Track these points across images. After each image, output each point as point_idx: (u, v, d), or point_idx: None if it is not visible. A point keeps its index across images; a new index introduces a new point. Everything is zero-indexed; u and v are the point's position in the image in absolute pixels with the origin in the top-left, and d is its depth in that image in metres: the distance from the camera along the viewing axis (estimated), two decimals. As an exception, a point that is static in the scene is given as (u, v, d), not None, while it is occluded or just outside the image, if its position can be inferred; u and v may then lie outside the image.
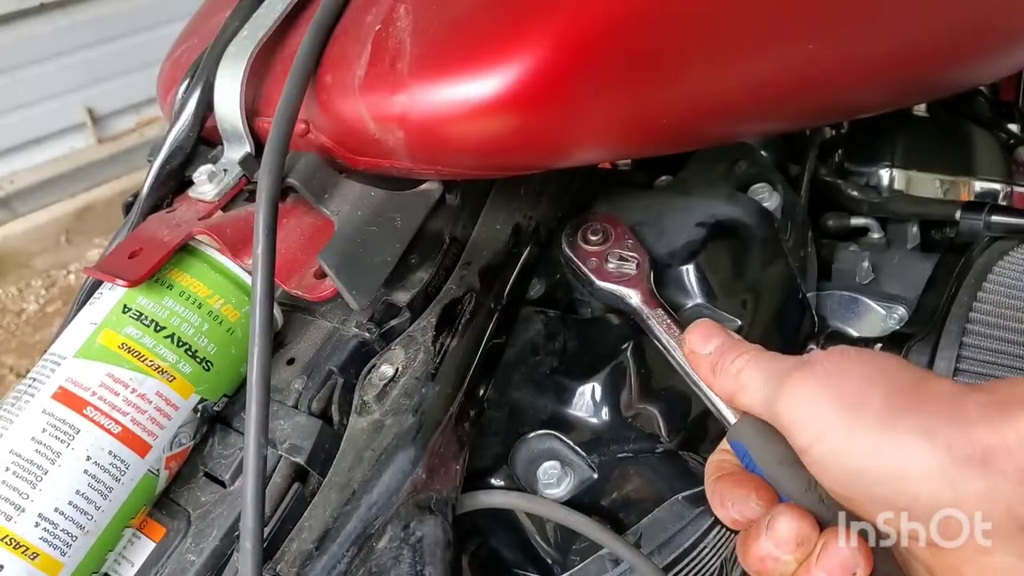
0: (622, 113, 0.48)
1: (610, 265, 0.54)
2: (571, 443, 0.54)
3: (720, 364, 0.41)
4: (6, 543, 0.41)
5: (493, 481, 0.55)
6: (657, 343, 0.51)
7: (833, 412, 0.35)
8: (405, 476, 0.48)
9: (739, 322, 0.57)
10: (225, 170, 0.53)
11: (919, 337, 0.60)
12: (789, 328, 0.63)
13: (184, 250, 0.50)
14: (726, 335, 0.42)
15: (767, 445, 0.39)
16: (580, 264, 0.55)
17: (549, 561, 0.57)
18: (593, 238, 0.55)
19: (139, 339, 0.46)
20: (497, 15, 0.46)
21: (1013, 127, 0.94)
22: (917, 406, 0.34)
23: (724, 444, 0.44)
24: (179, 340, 0.47)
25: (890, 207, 0.75)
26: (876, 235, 0.76)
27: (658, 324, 0.51)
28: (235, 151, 0.53)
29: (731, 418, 0.44)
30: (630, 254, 0.54)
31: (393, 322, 0.53)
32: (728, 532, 0.64)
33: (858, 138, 0.78)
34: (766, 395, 0.38)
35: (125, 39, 2.48)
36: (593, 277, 0.54)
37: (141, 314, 0.47)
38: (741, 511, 0.39)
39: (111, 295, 0.48)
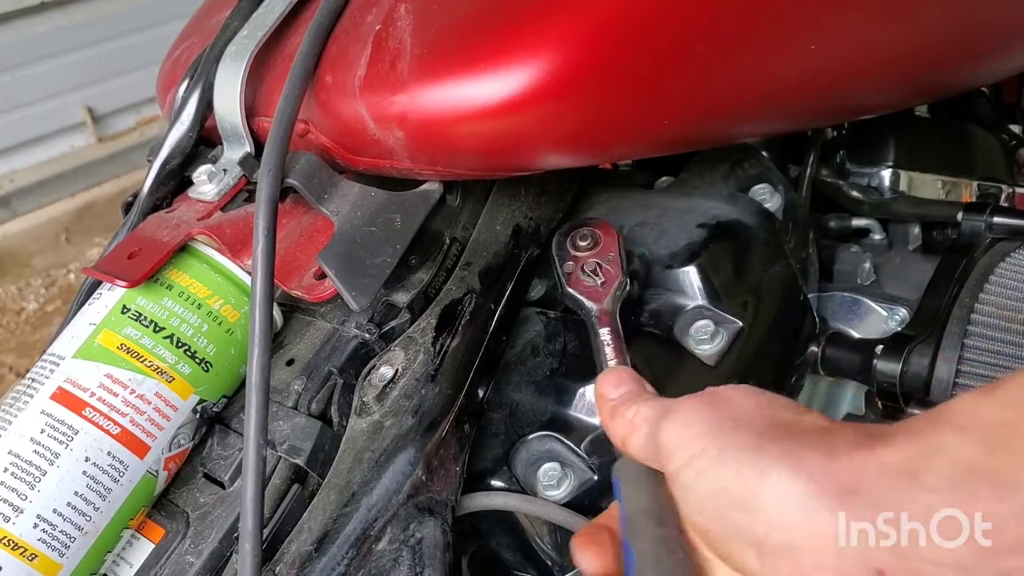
0: (623, 114, 0.47)
1: (583, 275, 0.54)
2: (571, 445, 0.54)
3: (619, 409, 0.40)
4: (4, 544, 0.41)
5: (493, 483, 0.55)
6: (595, 359, 0.51)
7: (707, 434, 0.35)
8: (405, 478, 0.48)
9: (740, 323, 0.56)
10: (225, 170, 0.53)
11: (921, 338, 0.59)
12: (790, 329, 0.63)
13: (184, 250, 0.49)
14: (638, 386, 0.42)
15: (636, 489, 0.38)
16: (558, 265, 0.55)
17: (549, 563, 0.57)
18: (582, 243, 0.56)
19: (138, 340, 0.46)
20: (499, 16, 0.46)
21: (1015, 128, 0.94)
22: (791, 435, 0.33)
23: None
24: (178, 341, 0.47)
25: (892, 208, 0.75)
26: (877, 236, 0.76)
27: (600, 342, 0.51)
28: (235, 151, 0.53)
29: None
30: (606, 267, 0.54)
31: (393, 323, 0.53)
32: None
33: (859, 139, 0.78)
34: (651, 431, 0.38)
35: (125, 38, 2.48)
36: (564, 280, 0.54)
37: (140, 314, 0.47)
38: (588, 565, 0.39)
39: (110, 295, 0.48)
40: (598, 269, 0.54)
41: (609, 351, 0.51)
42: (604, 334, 0.52)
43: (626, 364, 0.50)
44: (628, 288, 0.54)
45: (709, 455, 0.34)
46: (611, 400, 0.41)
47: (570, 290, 0.54)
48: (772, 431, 0.34)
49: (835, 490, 0.30)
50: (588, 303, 0.53)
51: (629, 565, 0.36)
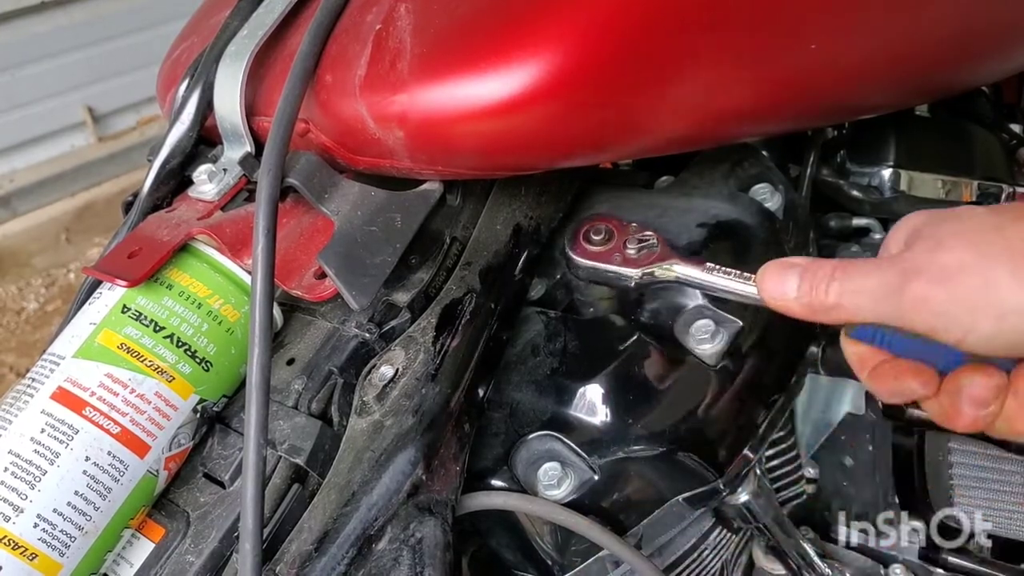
0: (623, 114, 0.47)
1: (630, 251, 0.53)
2: (572, 444, 0.54)
3: (813, 302, 0.40)
4: (5, 544, 0.41)
5: (493, 482, 0.55)
6: (723, 295, 0.50)
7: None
8: (405, 477, 0.48)
9: (740, 323, 0.56)
10: (225, 170, 0.53)
11: (921, 338, 0.59)
12: (790, 328, 0.63)
13: (184, 250, 0.49)
14: (795, 266, 0.41)
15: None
16: (604, 266, 0.54)
17: (549, 562, 0.57)
18: (596, 238, 0.55)
19: (138, 339, 0.46)
20: (499, 16, 0.46)
21: (1015, 127, 0.94)
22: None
23: (845, 339, 0.43)
24: (178, 340, 0.47)
25: (892, 207, 0.75)
26: (878, 235, 0.76)
27: (714, 276, 0.49)
28: (235, 150, 0.53)
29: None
30: (646, 234, 0.54)
31: (393, 322, 0.53)
32: (728, 534, 0.63)
33: (860, 138, 0.78)
34: (888, 292, 0.38)
35: (125, 38, 2.48)
36: (628, 271, 0.53)
37: (140, 314, 0.47)
38: (913, 392, 0.40)
39: (110, 295, 0.48)
40: (641, 240, 0.54)
41: (730, 272, 0.49)
42: (709, 269, 0.50)
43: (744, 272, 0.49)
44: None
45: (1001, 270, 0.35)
46: (796, 300, 0.41)
47: (642, 270, 0.53)
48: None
49: None
50: (677, 264, 0.51)
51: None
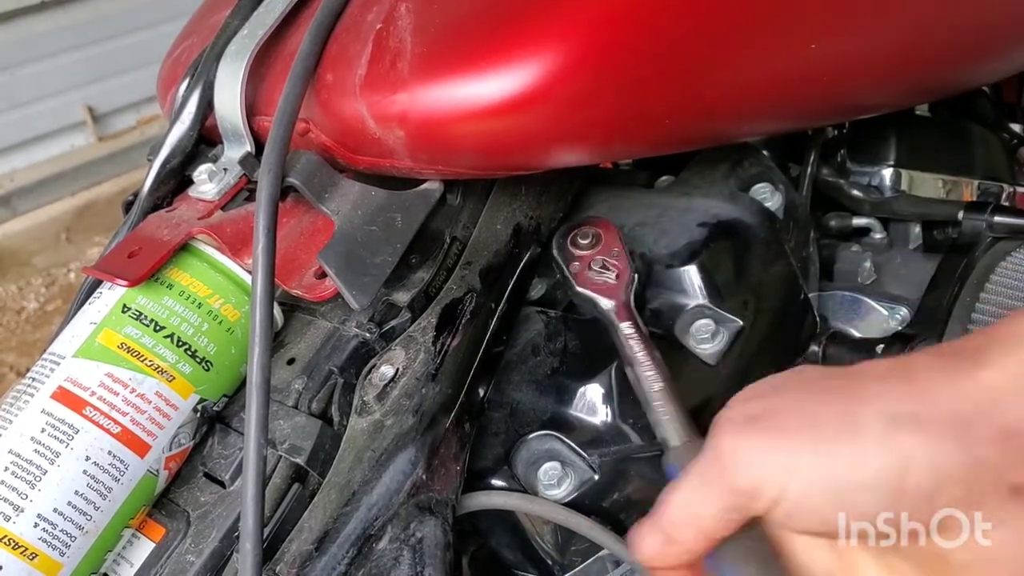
0: (624, 113, 0.47)
1: (592, 272, 0.54)
2: (572, 444, 0.54)
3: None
4: (5, 543, 0.41)
5: (493, 482, 0.55)
6: (620, 355, 0.51)
7: (776, 445, 0.32)
8: (405, 477, 0.48)
9: (740, 322, 0.56)
10: (225, 169, 0.53)
11: (921, 338, 0.59)
12: (791, 328, 0.63)
13: (184, 249, 0.49)
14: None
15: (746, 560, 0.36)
16: (564, 267, 0.55)
17: (549, 562, 0.57)
18: (583, 242, 0.55)
19: (138, 339, 0.46)
20: (499, 15, 0.46)
21: (1016, 127, 0.94)
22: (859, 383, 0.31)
23: None
24: (179, 340, 0.47)
25: (892, 207, 0.75)
26: (878, 235, 0.76)
27: (624, 336, 0.51)
28: (235, 150, 0.53)
29: (674, 442, 0.45)
30: (613, 263, 0.54)
31: (393, 322, 0.53)
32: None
33: (860, 138, 0.78)
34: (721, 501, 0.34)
35: (125, 37, 2.48)
36: (573, 281, 0.54)
37: (140, 314, 0.47)
38: None
39: (110, 294, 0.48)
40: (606, 264, 0.54)
41: (635, 343, 0.50)
42: (626, 328, 0.51)
43: (655, 353, 0.49)
44: (636, 281, 0.54)
45: (805, 460, 0.32)
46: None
47: (581, 290, 0.54)
48: (832, 395, 0.32)
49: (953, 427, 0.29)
50: (603, 300, 0.53)
51: None
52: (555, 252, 0.56)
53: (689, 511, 0.35)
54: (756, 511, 0.33)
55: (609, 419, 0.54)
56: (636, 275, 0.54)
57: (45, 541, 0.42)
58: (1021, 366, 0.28)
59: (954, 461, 0.29)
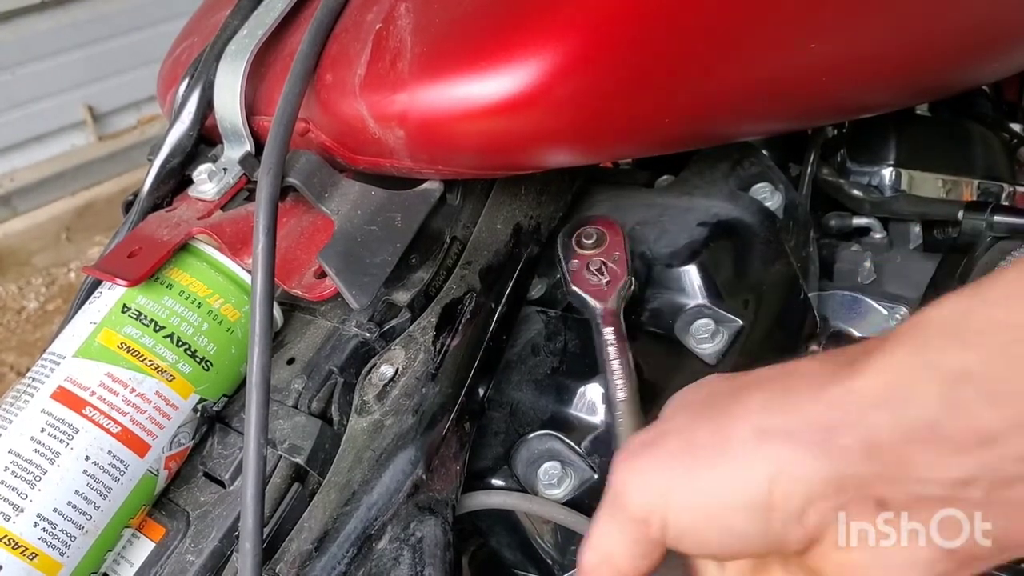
0: (624, 113, 0.47)
1: (588, 272, 0.54)
2: (571, 443, 0.54)
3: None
4: (5, 543, 0.41)
5: (493, 481, 0.55)
6: (597, 358, 0.51)
7: (657, 467, 0.31)
8: (405, 476, 0.48)
9: (740, 322, 0.56)
10: (225, 169, 0.53)
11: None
12: (791, 328, 0.63)
13: (184, 249, 0.49)
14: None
15: None
16: (563, 263, 0.55)
17: (549, 562, 0.57)
18: (587, 241, 0.55)
19: (138, 339, 0.46)
20: (500, 15, 0.46)
21: (1016, 127, 0.94)
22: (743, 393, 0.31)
23: None
24: (178, 340, 0.47)
25: (892, 207, 0.75)
26: (878, 235, 0.76)
27: (604, 343, 0.51)
28: (235, 150, 0.53)
29: None
30: (612, 267, 0.54)
31: (393, 322, 0.53)
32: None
33: (860, 138, 0.78)
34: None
35: (125, 36, 2.48)
36: (568, 278, 0.54)
37: (140, 313, 0.47)
38: None
39: (110, 294, 0.48)
40: (603, 268, 0.54)
41: (612, 351, 0.51)
42: (607, 334, 0.52)
43: (628, 364, 0.50)
44: (632, 288, 0.54)
45: (680, 480, 0.31)
46: None
47: (574, 288, 0.54)
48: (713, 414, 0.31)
49: (818, 438, 0.28)
50: (592, 302, 0.53)
51: None
52: (558, 247, 0.56)
53: (602, 551, 0.34)
54: (655, 539, 0.32)
55: (609, 419, 0.54)
56: (633, 282, 0.54)
57: (45, 541, 0.42)
58: (892, 374, 0.27)
59: (820, 474, 0.28)
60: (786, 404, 0.29)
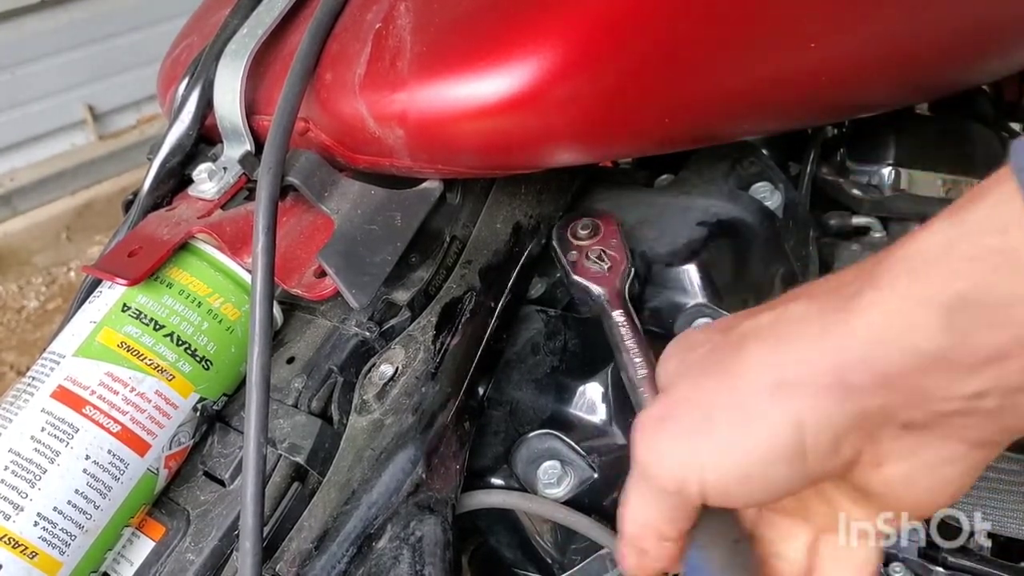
0: (623, 112, 0.47)
1: (589, 261, 0.54)
2: (571, 443, 0.54)
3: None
4: (5, 542, 0.41)
5: (493, 481, 0.55)
6: (611, 342, 0.51)
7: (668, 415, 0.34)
8: (405, 475, 0.48)
9: (740, 321, 0.56)
10: (225, 168, 0.53)
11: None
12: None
13: (184, 248, 0.49)
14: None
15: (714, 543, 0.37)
16: (562, 256, 0.55)
17: (549, 561, 0.57)
18: (582, 232, 0.56)
19: (138, 338, 0.46)
20: (499, 14, 0.46)
21: (1016, 126, 0.94)
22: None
23: None
24: (178, 339, 0.47)
25: (892, 206, 0.75)
26: (878, 234, 0.75)
27: (615, 325, 0.51)
28: (235, 149, 0.53)
29: None
30: (611, 253, 0.54)
31: (393, 321, 0.53)
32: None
33: (860, 137, 0.78)
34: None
35: (125, 36, 2.48)
36: (569, 269, 0.55)
37: (140, 313, 0.47)
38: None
39: (110, 293, 0.48)
40: (603, 255, 0.54)
41: (625, 331, 0.50)
42: (617, 316, 0.51)
43: (644, 342, 0.50)
44: (633, 272, 0.54)
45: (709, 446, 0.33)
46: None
47: (576, 278, 0.54)
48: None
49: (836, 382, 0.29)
50: (597, 288, 0.53)
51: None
52: (554, 242, 0.56)
53: (641, 521, 0.36)
54: (692, 503, 0.34)
55: (608, 418, 0.54)
56: (633, 266, 0.54)
57: (45, 540, 0.42)
58: (889, 310, 0.29)
59: (844, 414, 0.30)
60: (791, 354, 0.31)
